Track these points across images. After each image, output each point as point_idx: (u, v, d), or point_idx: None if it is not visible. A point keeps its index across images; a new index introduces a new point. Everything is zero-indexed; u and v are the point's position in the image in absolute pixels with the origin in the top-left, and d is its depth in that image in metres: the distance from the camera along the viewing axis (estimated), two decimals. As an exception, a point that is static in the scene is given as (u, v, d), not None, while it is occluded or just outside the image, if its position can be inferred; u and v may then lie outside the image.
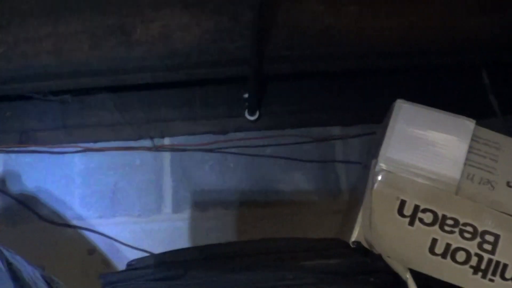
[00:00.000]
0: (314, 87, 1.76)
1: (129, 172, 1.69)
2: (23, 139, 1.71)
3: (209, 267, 1.09)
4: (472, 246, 1.18)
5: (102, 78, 1.62)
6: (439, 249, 1.19)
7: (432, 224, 1.19)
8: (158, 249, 1.36)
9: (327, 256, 1.08)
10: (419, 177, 1.20)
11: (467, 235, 1.18)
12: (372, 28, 1.61)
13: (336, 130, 1.74)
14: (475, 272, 1.18)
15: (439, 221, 1.19)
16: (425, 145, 1.22)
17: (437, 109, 1.26)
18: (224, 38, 1.58)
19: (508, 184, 1.21)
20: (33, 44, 1.58)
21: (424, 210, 1.19)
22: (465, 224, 1.19)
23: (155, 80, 1.63)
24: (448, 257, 1.18)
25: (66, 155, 1.70)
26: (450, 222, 1.19)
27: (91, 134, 1.72)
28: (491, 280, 1.18)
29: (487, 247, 1.18)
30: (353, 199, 1.52)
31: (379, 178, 1.21)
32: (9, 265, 1.05)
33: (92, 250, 1.61)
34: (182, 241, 1.61)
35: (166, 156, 1.70)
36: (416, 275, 1.15)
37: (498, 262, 1.17)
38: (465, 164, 1.21)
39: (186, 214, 1.64)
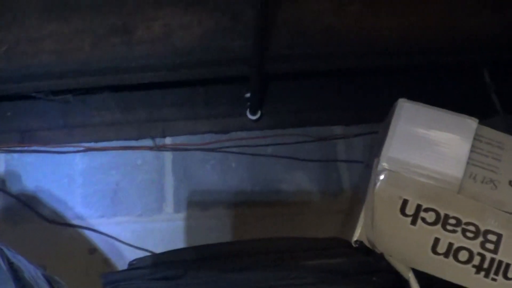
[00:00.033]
0: (315, 86, 1.76)
1: (131, 172, 1.68)
2: (24, 138, 1.71)
3: (210, 266, 1.09)
4: (474, 246, 1.18)
5: (103, 77, 1.61)
6: (441, 248, 1.18)
7: (434, 223, 1.19)
8: (159, 249, 1.37)
9: (329, 256, 1.08)
10: (422, 176, 1.20)
11: (470, 235, 1.18)
12: (374, 28, 1.61)
13: (337, 130, 1.73)
14: (477, 272, 1.18)
15: (442, 220, 1.19)
16: (428, 144, 1.22)
17: (439, 108, 1.26)
18: (226, 37, 1.58)
19: (510, 183, 1.20)
20: (34, 44, 1.58)
21: (427, 210, 1.19)
22: (467, 224, 1.18)
23: (156, 80, 1.63)
24: (451, 257, 1.18)
25: (67, 154, 1.70)
26: (452, 221, 1.18)
27: (92, 134, 1.72)
28: (493, 279, 1.17)
29: (490, 246, 1.18)
30: (355, 198, 1.51)
31: (381, 177, 1.21)
32: (10, 265, 1.04)
33: (93, 250, 1.61)
34: (183, 241, 1.60)
35: (168, 155, 1.70)
36: (419, 274, 1.15)
37: (500, 261, 1.17)
38: (467, 163, 1.21)
39: (187, 214, 1.64)
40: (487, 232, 1.18)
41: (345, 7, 1.61)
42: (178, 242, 1.60)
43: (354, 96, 1.76)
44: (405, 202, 1.19)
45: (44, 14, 1.59)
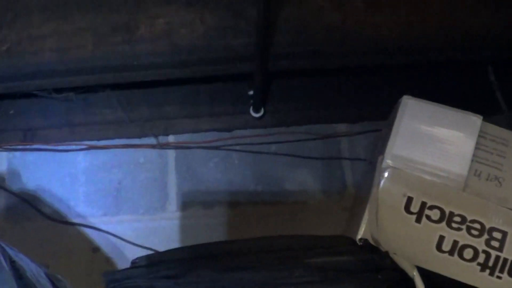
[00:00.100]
0: (319, 84, 1.76)
1: (133, 170, 1.68)
2: (27, 137, 1.71)
3: (213, 265, 1.08)
4: (479, 243, 1.17)
5: (106, 75, 1.61)
6: (446, 246, 1.18)
7: (439, 221, 1.18)
8: (162, 247, 1.35)
9: (334, 254, 1.08)
10: (426, 173, 1.20)
11: (475, 232, 1.18)
12: (377, 25, 1.60)
13: (341, 127, 1.73)
14: (482, 269, 1.17)
15: (446, 218, 1.18)
16: (432, 142, 1.21)
17: (443, 105, 1.25)
18: (228, 35, 1.57)
19: (516, 180, 1.20)
20: (36, 42, 1.57)
21: (431, 207, 1.19)
22: (472, 221, 1.18)
23: (159, 77, 1.62)
24: (456, 254, 1.18)
25: (70, 153, 1.70)
26: (457, 219, 1.18)
27: (95, 132, 1.72)
28: (498, 277, 1.17)
29: (495, 244, 1.17)
30: (359, 196, 1.51)
31: (386, 175, 1.20)
32: (12, 263, 1.04)
33: (96, 248, 1.60)
34: (186, 239, 1.60)
35: (171, 153, 1.70)
36: (423, 272, 1.14)
37: (506, 259, 1.17)
38: (472, 160, 1.20)
39: (190, 212, 1.64)
40: (492, 229, 1.18)
41: (347, 5, 1.60)
42: (181, 240, 1.60)
43: (357, 94, 1.76)
44: (409, 200, 1.19)
45: (46, 13, 1.58)
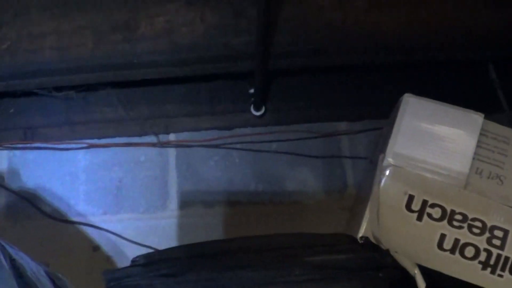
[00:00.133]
0: (319, 82, 1.76)
1: (134, 168, 1.68)
2: (27, 135, 1.71)
3: (213, 263, 1.08)
4: (481, 242, 1.17)
5: (106, 73, 1.61)
6: (447, 244, 1.17)
7: (440, 219, 1.18)
8: (163, 246, 1.35)
9: (334, 252, 1.07)
10: (427, 172, 1.19)
11: (476, 230, 1.17)
12: (378, 23, 1.60)
13: (342, 126, 1.73)
14: (484, 268, 1.17)
15: (448, 216, 1.18)
16: (433, 140, 1.21)
17: (445, 103, 1.25)
18: (229, 34, 1.57)
19: (517, 178, 1.19)
20: (36, 40, 1.57)
21: (433, 205, 1.18)
22: (473, 219, 1.18)
23: (159, 76, 1.62)
24: (457, 253, 1.17)
25: (70, 151, 1.70)
26: (458, 217, 1.18)
27: (95, 130, 1.71)
28: (500, 275, 1.16)
29: (496, 242, 1.17)
30: (360, 194, 1.51)
31: (387, 173, 1.20)
32: (12, 262, 1.04)
33: (97, 247, 1.60)
34: (186, 238, 1.60)
35: (171, 152, 1.70)
36: (425, 270, 1.14)
37: (507, 258, 1.16)
38: (473, 158, 1.20)
39: (190, 211, 1.63)
40: (494, 228, 1.17)
41: (348, 4, 1.60)
42: (181, 239, 1.60)
43: (358, 92, 1.75)
44: (410, 198, 1.19)
45: (46, 11, 1.58)
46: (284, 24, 1.57)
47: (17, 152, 1.70)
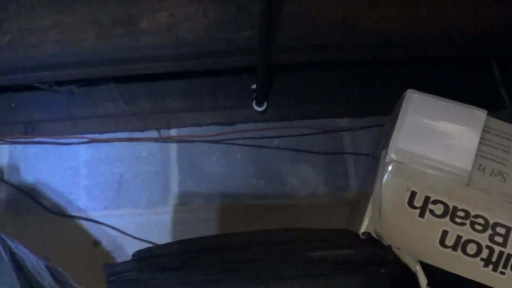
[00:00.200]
0: (322, 78, 1.75)
1: (135, 163, 1.68)
2: (28, 130, 1.71)
3: (215, 257, 1.08)
4: (483, 239, 1.17)
5: (108, 68, 1.61)
6: (449, 241, 1.17)
7: (442, 215, 1.18)
8: (163, 241, 1.34)
9: (337, 247, 1.07)
10: (430, 168, 1.19)
11: (478, 227, 1.17)
12: (380, 19, 1.60)
13: (344, 122, 1.72)
14: (486, 265, 1.17)
15: (450, 212, 1.17)
16: (436, 136, 1.20)
17: (448, 99, 1.24)
18: (232, 28, 1.57)
19: (520, 175, 1.19)
20: (38, 34, 1.57)
21: (435, 202, 1.18)
22: (476, 216, 1.17)
23: (161, 70, 1.62)
24: (459, 250, 1.17)
25: (71, 146, 1.69)
26: (461, 214, 1.17)
27: (96, 125, 1.71)
28: (502, 272, 1.16)
29: (498, 239, 1.16)
30: (362, 190, 1.50)
31: (389, 168, 1.20)
32: (12, 255, 1.04)
33: (98, 242, 1.60)
34: (187, 233, 1.58)
35: (173, 147, 1.69)
36: (426, 267, 1.13)
37: (509, 255, 1.16)
38: (476, 155, 1.20)
39: (192, 206, 1.63)
40: (496, 225, 1.17)
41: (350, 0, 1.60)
42: (182, 234, 1.58)
43: (360, 88, 1.75)
44: (413, 194, 1.18)
45: (49, 4, 1.58)
46: (286, 19, 1.57)
47: (18, 147, 1.69)
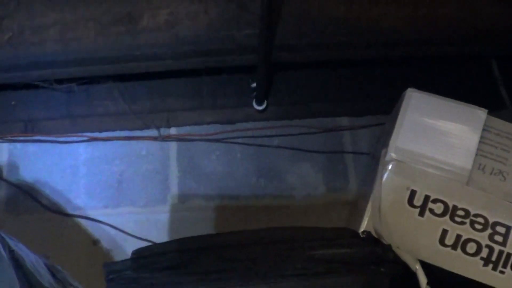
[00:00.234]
0: (322, 77, 1.75)
1: (135, 162, 1.67)
2: (28, 128, 1.71)
3: (214, 256, 1.08)
4: (483, 238, 1.16)
5: (108, 66, 1.61)
6: (449, 240, 1.17)
7: (442, 214, 1.17)
8: (163, 240, 1.36)
9: (337, 246, 1.07)
10: (430, 167, 1.19)
11: (478, 226, 1.17)
12: (382, 18, 1.59)
13: (344, 121, 1.73)
14: (485, 264, 1.16)
15: (450, 211, 1.17)
16: (436, 135, 1.20)
17: (448, 98, 1.24)
18: (232, 27, 1.57)
19: (520, 175, 1.19)
20: (38, 32, 1.57)
21: (435, 201, 1.18)
22: (476, 215, 1.17)
23: (161, 69, 1.62)
24: (459, 249, 1.17)
25: (71, 144, 1.69)
26: (461, 213, 1.17)
27: (96, 124, 1.71)
28: (501, 272, 1.16)
29: (498, 238, 1.16)
30: (362, 189, 1.50)
31: (389, 167, 1.19)
32: (11, 253, 1.03)
33: (97, 240, 1.60)
34: (187, 231, 1.57)
35: (173, 146, 1.69)
36: (426, 266, 1.13)
37: (509, 254, 1.16)
38: (476, 154, 1.19)
39: (192, 204, 1.63)
40: (496, 224, 1.17)
41: (352, -2, 1.60)
42: (182, 233, 1.56)
43: (360, 87, 1.75)
44: (413, 193, 1.18)
45: (48, 2, 1.58)
46: (287, 18, 1.57)
47: (18, 145, 1.69)
